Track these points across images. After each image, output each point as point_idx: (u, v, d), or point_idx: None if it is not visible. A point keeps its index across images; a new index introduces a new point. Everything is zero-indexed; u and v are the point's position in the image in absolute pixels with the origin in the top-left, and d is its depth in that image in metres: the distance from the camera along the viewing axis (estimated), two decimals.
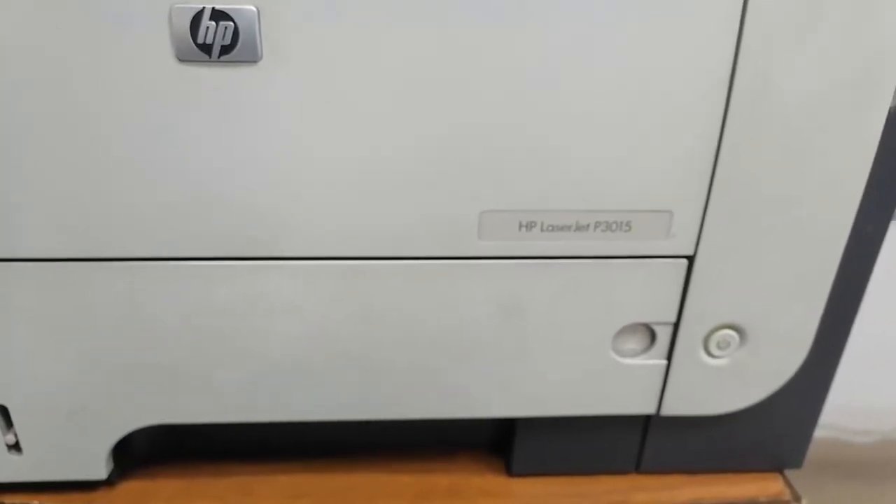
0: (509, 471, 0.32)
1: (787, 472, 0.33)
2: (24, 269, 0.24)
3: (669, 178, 0.24)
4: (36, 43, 0.21)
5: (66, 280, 0.24)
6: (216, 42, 0.21)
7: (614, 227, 0.25)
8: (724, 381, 0.28)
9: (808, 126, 0.23)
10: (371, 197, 0.24)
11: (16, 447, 0.28)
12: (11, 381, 0.27)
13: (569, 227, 0.25)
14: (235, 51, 0.21)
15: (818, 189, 0.24)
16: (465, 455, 0.33)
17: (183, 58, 0.21)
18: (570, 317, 0.26)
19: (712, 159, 0.24)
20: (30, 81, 0.21)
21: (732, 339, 0.27)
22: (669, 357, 0.28)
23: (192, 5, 0.20)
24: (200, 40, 0.21)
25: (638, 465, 0.32)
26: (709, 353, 0.28)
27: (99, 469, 0.29)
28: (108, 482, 0.30)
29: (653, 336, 0.28)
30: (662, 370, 0.28)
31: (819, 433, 0.32)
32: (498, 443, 0.33)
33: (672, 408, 0.29)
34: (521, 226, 0.24)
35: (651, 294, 0.26)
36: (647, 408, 0.29)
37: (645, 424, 0.31)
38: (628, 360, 0.28)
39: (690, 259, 0.26)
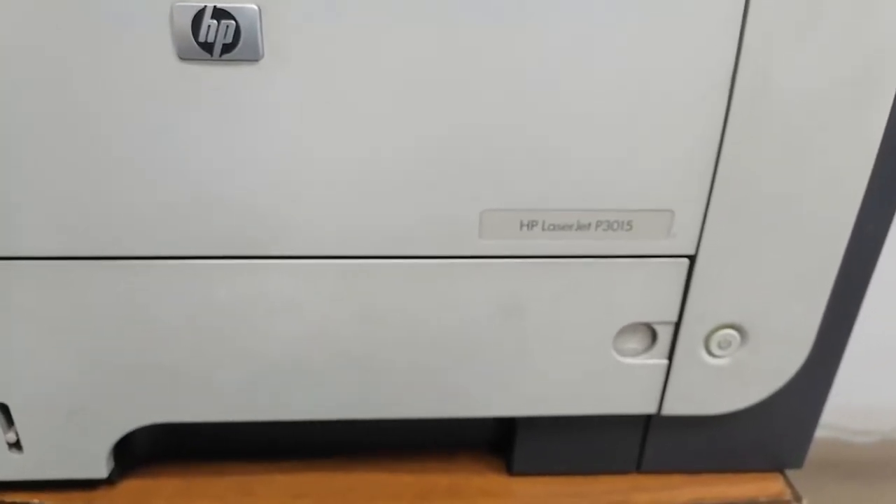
0: (510, 470, 0.32)
1: (788, 473, 0.33)
2: (26, 267, 0.24)
3: (670, 178, 0.24)
4: (37, 42, 0.21)
5: (66, 279, 0.24)
6: (217, 41, 0.21)
7: (615, 226, 0.25)
8: (724, 380, 0.28)
9: (809, 125, 0.23)
10: (372, 196, 0.24)
11: (17, 445, 0.28)
12: (12, 380, 0.27)
13: (570, 227, 0.25)
14: (237, 49, 0.21)
15: (819, 188, 0.24)
16: (465, 455, 0.33)
17: (184, 56, 0.21)
18: (571, 316, 0.26)
19: (713, 159, 0.24)
20: (31, 81, 0.21)
21: (733, 338, 0.27)
22: (670, 357, 0.28)
23: (194, 4, 0.20)
24: (202, 39, 0.21)
25: (639, 465, 0.32)
26: (710, 353, 0.28)
27: (100, 468, 0.29)
28: (109, 481, 0.30)
29: (654, 336, 0.28)
30: (663, 370, 0.28)
31: (819, 433, 0.32)
32: (498, 442, 0.33)
33: (673, 407, 0.29)
34: (522, 225, 0.24)
35: (652, 293, 0.26)
36: (648, 407, 0.29)
37: (646, 424, 0.31)
38: (629, 360, 0.28)
39: (691, 258, 0.26)
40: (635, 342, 0.28)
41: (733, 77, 0.22)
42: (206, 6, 0.20)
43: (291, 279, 0.25)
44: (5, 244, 0.24)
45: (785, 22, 0.22)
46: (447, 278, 0.25)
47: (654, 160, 0.24)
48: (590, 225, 0.25)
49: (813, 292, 0.27)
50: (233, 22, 0.20)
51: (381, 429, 0.31)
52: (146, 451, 0.32)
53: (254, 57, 0.21)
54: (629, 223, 0.25)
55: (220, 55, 0.21)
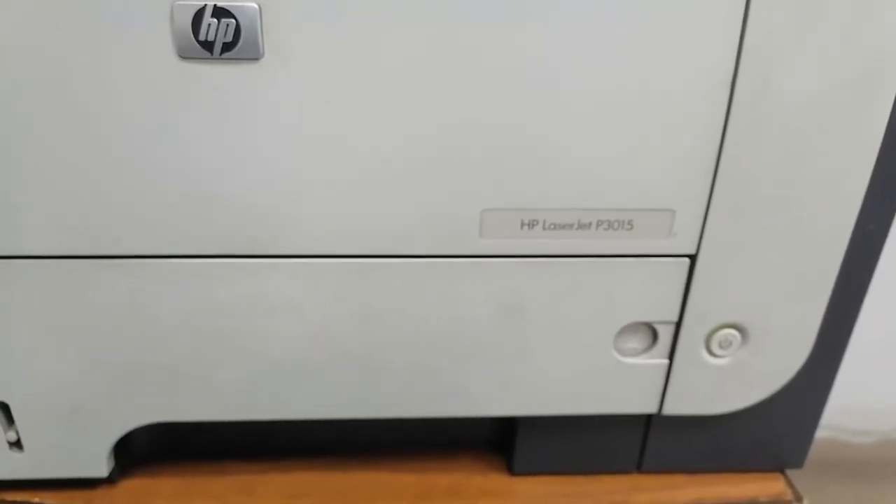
0: (511, 470, 0.32)
1: (788, 473, 0.33)
2: (27, 266, 0.24)
3: (672, 178, 0.24)
4: (38, 42, 0.21)
5: (67, 278, 0.24)
6: (218, 39, 0.21)
7: (616, 225, 0.25)
8: (725, 380, 0.28)
9: (809, 126, 0.23)
10: (373, 195, 0.24)
11: (17, 444, 0.28)
12: (12, 379, 0.27)
13: (571, 226, 0.25)
14: (237, 48, 0.21)
15: (820, 189, 0.24)
16: (466, 454, 0.33)
17: (184, 55, 0.21)
18: (572, 316, 0.26)
19: (714, 158, 0.24)
20: (32, 80, 0.21)
21: (734, 338, 0.27)
22: (671, 356, 0.28)
23: (194, 2, 0.20)
24: (202, 37, 0.21)
25: (639, 465, 0.32)
26: (710, 353, 0.28)
27: (100, 467, 0.29)
28: (109, 480, 0.30)
29: (654, 335, 0.28)
30: (664, 369, 0.28)
31: (819, 434, 0.32)
32: (499, 442, 0.33)
33: (674, 407, 0.29)
34: (522, 224, 0.24)
35: (653, 293, 0.26)
36: (649, 407, 0.29)
37: (646, 424, 0.31)
38: (630, 360, 0.28)
39: (692, 258, 0.26)
40: (636, 342, 0.28)
41: (734, 77, 0.22)
42: (206, 5, 0.20)
43: (291, 279, 0.25)
44: (6, 243, 0.24)
45: (784, 24, 0.21)
46: (448, 278, 0.25)
47: (655, 160, 0.23)
48: (591, 224, 0.25)
49: (814, 292, 0.27)
50: (233, 21, 0.20)
51: (381, 428, 0.31)
52: (146, 450, 0.32)
53: (254, 56, 0.21)
54: (630, 223, 0.25)
55: (221, 54, 0.21)
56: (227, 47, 0.21)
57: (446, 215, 0.24)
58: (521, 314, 0.26)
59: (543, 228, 0.25)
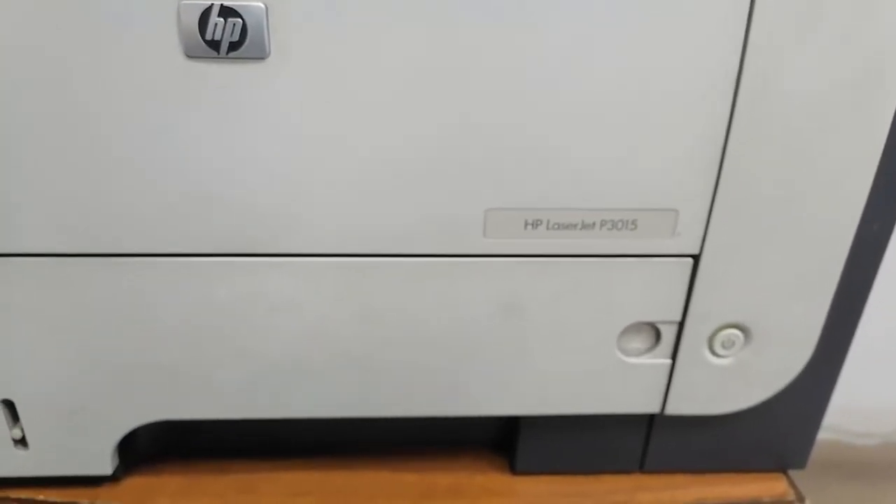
0: (513, 469, 0.32)
1: (791, 473, 0.33)
2: (28, 264, 0.24)
3: (675, 178, 0.24)
4: (45, 41, 0.21)
5: (70, 277, 0.25)
6: (224, 38, 0.21)
7: (620, 225, 0.25)
8: (728, 380, 0.28)
9: (812, 126, 0.23)
10: (376, 194, 0.24)
11: (22, 442, 0.28)
12: (18, 377, 0.27)
13: (574, 226, 0.25)
14: (243, 47, 0.21)
15: (823, 189, 0.24)
16: (468, 453, 0.33)
17: (191, 54, 0.21)
18: (575, 315, 0.26)
19: (718, 158, 0.24)
20: (39, 80, 0.21)
21: (737, 338, 0.27)
22: (674, 356, 0.28)
23: (201, 2, 0.20)
24: (209, 37, 0.21)
25: (642, 465, 0.32)
26: (713, 353, 0.28)
27: (104, 465, 0.29)
28: (113, 478, 0.30)
29: (657, 335, 0.28)
30: (667, 369, 0.28)
31: (821, 435, 0.32)
32: (501, 441, 0.33)
33: (676, 407, 0.29)
34: (526, 224, 0.24)
35: (656, 293, 0.26)
36: (652, 407, 0.29)
37: (649, 424, 0.31)
38: (633, 359, 0.28)
39: (696, 258, 0.26)
40: (639, 341, 0.28)
41: (738, 77, 0.22)
42: (212, 4, 0.20)
43: (292, 278, 0.25)
44: (8, 241, 0.24)
45: (785, 24, 0.22)
46: (451, 277, 0.25)
47: (658, 160, 0.24)
48: (594, 224, 0.25)
49: (816, 292, 0.27)
50: (239, 20, 0.21)
51: (383, 428, 0.31)
52: (150, 448, 0.32)
53: (260, 55, 0.21)
54: (634, 222, 0.25)
55: (227, 53, 0.21)
56: (234, 47, 0.21)
57: (450, 215, 0.24)
58: (523, 314, 0.26)
59: (547, 228, 0.25)
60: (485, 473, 0.32)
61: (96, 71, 0.21)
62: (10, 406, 0.27)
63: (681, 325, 0.27)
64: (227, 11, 0.20)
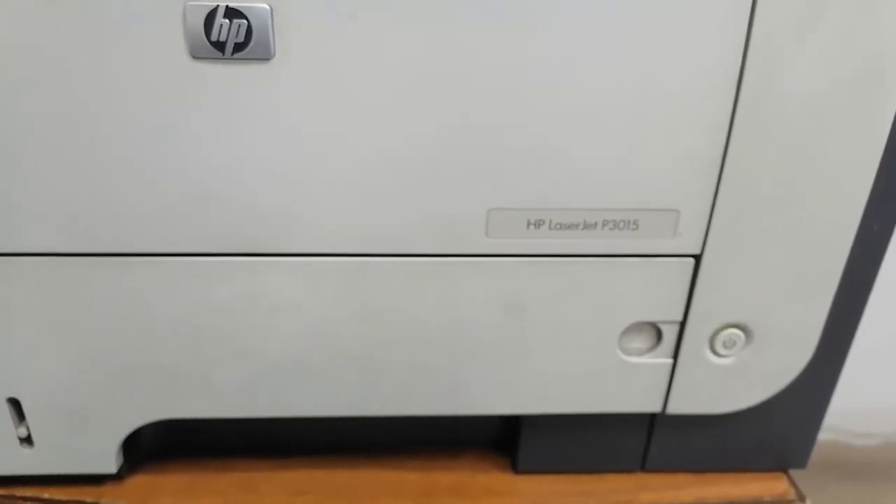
0: (515, 469, 0.32)
1: (791, 473, 0.33)
2: (31, 264, 0.24)
3: (676, 178, 0.24)
4: (53, 40, 0.21)
5: (70, 277, 0.25)
6: (230, 39, 0.21)
7: (622, 225, 0.25)
8: (729, 380, 0.28)
9: (812, 126, 0.23)
10: (378, 195, 0.24)
11: (28, 440, 0.28)
12: (21, 376, 0.27)
13: (576, 226, 0.25)
14: (248, 48, 0.21)
15: (824, 189, 0.24)
16: (469, 453, 0.33)
17: (196, 55, 0.21)
18: (577, 315, 0.27)
19: (719, 159, 0.24)
20: (44, 80, 0.21)
21: (738, 338, 0.27)
22: (675, 356, 0.28)
23: (206, 3, 0.20)
24: (214, 38, 0.21)
25: (643, 464, 0.32)
26: (715, 353, 0.28)
27: (108, 463, 0.29)
28: (118, 476, 0.30)
29: (659, 335, 0.28)
30: (668, 369, 0.28)
31: (821, 436, 0.32)
32: (503, 441, 0.34)
33: (678, 407, 0.29)
34: (529, 224, 0.25)
35: (657, 293, 0.26)
36: (653, 406, 0.29)
37: (650, 423, 0.31)
38: (634, 359, 0.28)
39: (697, 258, 0.26)
40: (640, 341, 0.28)
41: (740, 77, 0.22)
42: (218, 5, 0.20)
43: (292, 277, 0.25)
44: (8, 240, 0.24)
45: (785, 24, 0.22)
46: (453, 277, 0.26)
47: (659, 160, 0.24)
48: (596, 224, 0.25)
49: (817, 292, 0.27)
50: (245, 21, 0.21)
51: (385, 427, 0.31)
52: (153, 447, 0.32)
53: (265, 56, 0.21)
54: (635, 223, 0.25)
55: (232, 54, 0.21)
56: (239, 47, 0.21)
57: (453, 215, 0.24)
58: (525, 313, 0.26)
59: (549, 228, 0.25)
60: (486, 472, 0.32)
61: (100, 71, 0.21)
62: (15, 405, 0.27)
63: (682, 324, 0.27)
64: (232, 13, 0.20)
